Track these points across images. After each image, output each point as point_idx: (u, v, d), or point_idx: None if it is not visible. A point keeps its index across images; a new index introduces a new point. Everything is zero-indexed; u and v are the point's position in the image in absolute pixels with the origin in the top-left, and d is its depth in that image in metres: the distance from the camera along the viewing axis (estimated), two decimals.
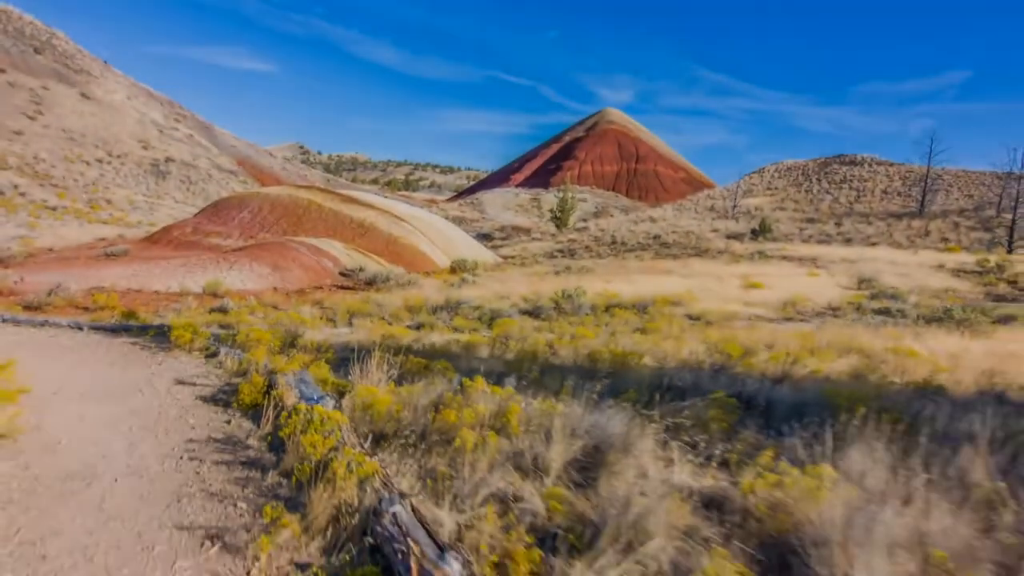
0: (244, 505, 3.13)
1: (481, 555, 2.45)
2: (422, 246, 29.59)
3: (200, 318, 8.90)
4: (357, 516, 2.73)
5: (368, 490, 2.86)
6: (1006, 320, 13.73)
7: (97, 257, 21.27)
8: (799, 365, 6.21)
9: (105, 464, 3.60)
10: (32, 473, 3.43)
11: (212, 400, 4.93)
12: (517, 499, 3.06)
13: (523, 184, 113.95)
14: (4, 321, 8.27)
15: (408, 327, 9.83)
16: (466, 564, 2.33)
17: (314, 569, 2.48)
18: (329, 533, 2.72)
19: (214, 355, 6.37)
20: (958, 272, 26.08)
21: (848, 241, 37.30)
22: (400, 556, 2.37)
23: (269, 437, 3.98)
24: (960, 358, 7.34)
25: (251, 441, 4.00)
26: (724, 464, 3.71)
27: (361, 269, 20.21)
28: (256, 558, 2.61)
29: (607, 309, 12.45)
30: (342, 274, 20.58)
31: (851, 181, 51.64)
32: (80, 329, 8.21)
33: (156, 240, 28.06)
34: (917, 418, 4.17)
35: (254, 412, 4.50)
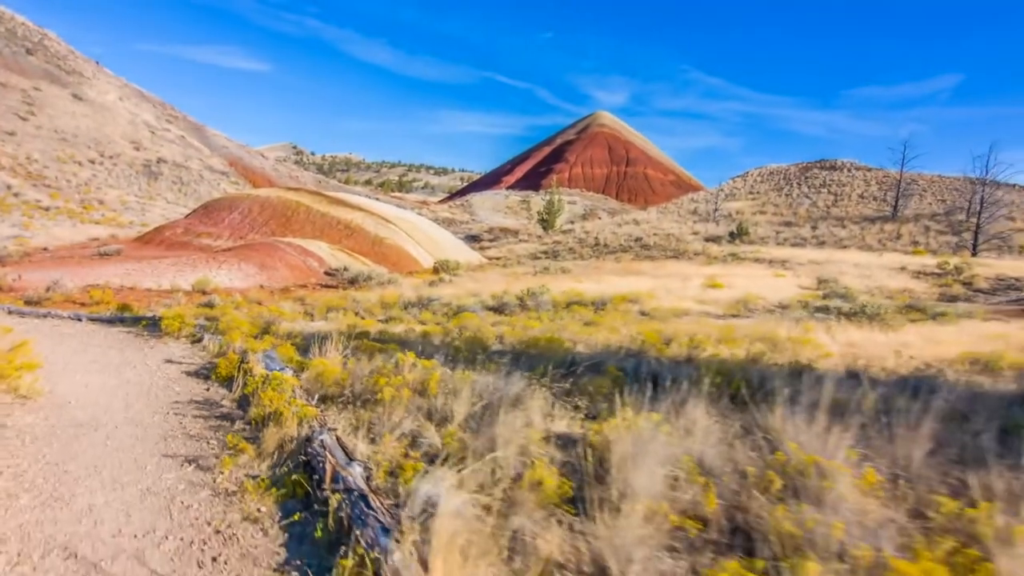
0: (215, 442, 4.11)
1: (380, 465, 3.46)
2: (407, 247, 30.53)
3: (188, 311, 9.85)
4: (295, 443, 3.72)
5: (306, 427, 3.86)
6: (936, 316, 14.87)
7: (91, 256, 22.10)
8: (700, 350, 7.24)
9: (107, 417, 4.58)
10: (51, 422, 4.40)
11: (195, 374, 5.91)
12: (422, 437, 4.07)
13: (514, 186, 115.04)
14: (10, 313, 9.19)
15: (378, 320, 10.80)
16: (366, 468, 3.33)
17: (261, 477, 3.47)
18: (275, 456, 3.72)
19: (198, 340, 7.33)
20: (918, 274, 27.28)
21: (822, 244, 38.53)
22: (321, 464, 3.36)
23: (239, 399, 4.96)
24: (854, 346, 8.42)
25: (224, 402, 4.99)
26: (595, 417, 4.74)
27: (345, 269, 21.16)
28: (221, 472, 3.60)
29: (568, 306, 13.47)
30: (327, 273, 21.51)
31: (830, 186, 53.00)
32: (79, 320, 9.14)
33: (148, 240, 28.87)
34: (758, 384, 5.20)
35: (229, 382, 5.47)
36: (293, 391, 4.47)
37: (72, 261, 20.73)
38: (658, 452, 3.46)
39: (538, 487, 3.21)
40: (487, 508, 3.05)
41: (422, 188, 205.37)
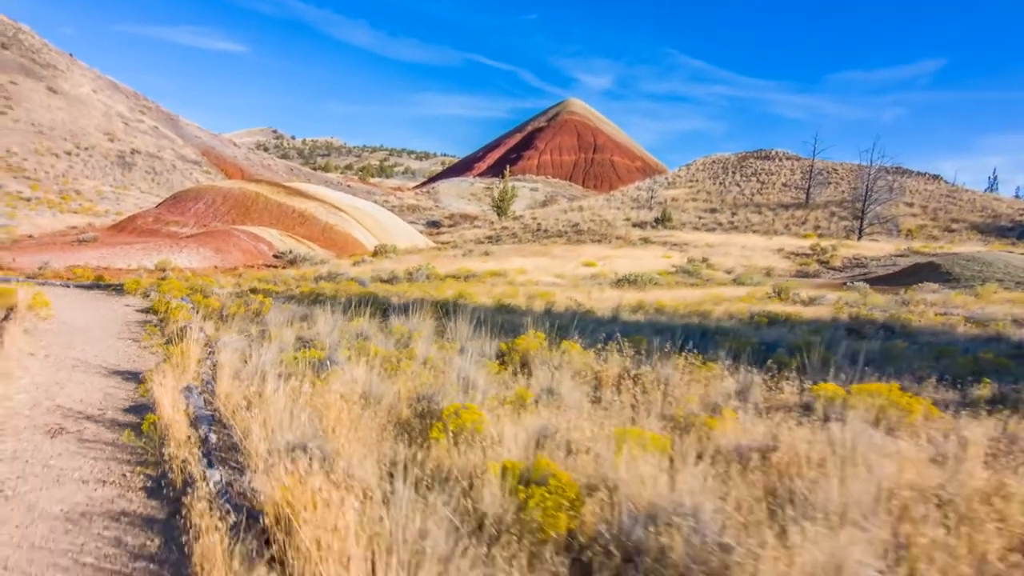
0: (144, 333, 8.30)
1: (215, 336, 7.66)
2: (355, 233, 34.47)
3: (146, 281, 13.88)
4: (179, 328, 7.92)
5: (187, 323, 8.05)
6: (743, 284, 19.30)
7: (71, 243, 25.86)
8: (468, 299, 11.49)
9: (90, 326, 8.72)
10: (61, 328, 8.54)
11: (141, 311, 10.06)
12: (246, 330, 8.26)
13: (485, 173, 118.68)
14: (19, 281, 13.18)
15: (288, 287, 14.93)
16: (206, 334, 7.54)
17: (161, 341, 7.67)
18: (170, 334, 7.91)
19: (147, 295, 11.45)
20: (791, 255, 31.88)
21: (734, 228, 43.13)
22: (186, 333, 7.56)
23: (161, 318, 9.13)
24: (596, 299, 12.71)
25: (153, 320, 9.16)
26: (350, 321, 8.96)
27: (290, 252, 25.17)
28: (144, 341, 7.79)
29: (444, 278, 17.70)
30: (275, 256, 25.50)
31: (760, 174, 57.63)
32: (67, 287, 13.19)
33: (122, 228, 32.53)
34: (483, 315, 9.44)
35: (158, 312, 9.63)
36: (187, 311, 8.66)
37: (55, 247, 24.49)
38: (345, 328, 7.72)
39: (275, 339, 7.43)
40: (249, 341, 7.27)
41: (403, 173, 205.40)
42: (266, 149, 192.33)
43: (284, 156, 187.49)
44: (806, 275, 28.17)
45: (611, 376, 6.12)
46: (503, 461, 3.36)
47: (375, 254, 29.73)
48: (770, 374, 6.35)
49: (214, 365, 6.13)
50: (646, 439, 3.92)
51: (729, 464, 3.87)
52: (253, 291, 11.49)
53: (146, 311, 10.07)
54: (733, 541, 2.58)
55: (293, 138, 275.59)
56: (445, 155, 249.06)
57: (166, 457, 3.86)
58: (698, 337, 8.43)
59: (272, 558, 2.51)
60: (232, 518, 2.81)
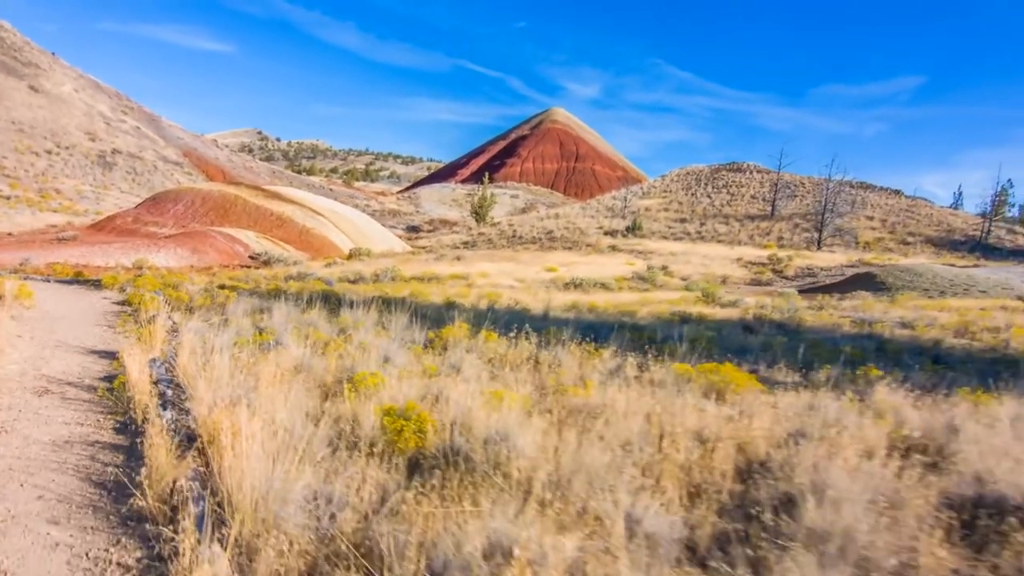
0: (118, 322, 9.34)
1: (182, 322, 8.75)
2: (331, 236, 35.43)
3: (123, 277, 14.84)
4: (150, 317, 8.99)
5: (157, 312, 9.13)
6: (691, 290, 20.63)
7: (51, 241, 26.55)
8: (420, 297, 12.64)
9: (70, 315, 9.74)
10: (43, 316, 9.55)
11: (117, 303, 11.09)
12: (208, 318, 9.35)
13: (468, 179, 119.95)
14: (2, 276, 14.07)
15: (257, 285, 15.95)
16: (173, 321, 8.63)
17: (135, 328, 8.74)
18: (142, 321, 8.98)
19: (123, 290, 12.45)
20: (748, 264, 33.45)
21: (701, 238, 44.76)
22: (157, 319, 8.63)
23: (135, 309, 10.17)
24: (541, 301, 13.93)
25: (128, 311, 10.20)
26: (304, 312, 10.08)
27: (265, 253, 26.12)
28: (118, 328, 8.85)
29: (407, 280, 18.84)
30: (251, 257, 26.43)
31: (730, 186, 59.55)
32: (48, 282, 14.11)
33: (101, 227, 33.17)
34: (415, 309, 10.59)
35: (132, 304, 10.66)
36: (158, 303, 9.73)
37: (35, 245, 25.20)
38: (298, 318, 8.85)
39: (233, 325, 8.53)
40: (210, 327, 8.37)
41: (388, 177, 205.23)
42: (251, 151, 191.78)
43: (269, 158, 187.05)
44: (759, 283, 29.71)
45: (513, 358, 7.33)
46: (383, 404, 4.55)
47: (349, 257, 30.73)
48: (649, 358, 7.61)
49: (177, 345, 7.22)
50: (506, 397, 5.14)
51: (567, 414, 5.12)
52: (222, 287, 12.55)
53: (122, 303, 11.09)
54: (517, 450, 3.80)
55: (278, 140, 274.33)
56: (431, 160, 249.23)
57: (131, 405, 4.99)
58: (609, 331, 9.67)
59: (199, 450, 3.66)
60: (175, 435, 3.96)
